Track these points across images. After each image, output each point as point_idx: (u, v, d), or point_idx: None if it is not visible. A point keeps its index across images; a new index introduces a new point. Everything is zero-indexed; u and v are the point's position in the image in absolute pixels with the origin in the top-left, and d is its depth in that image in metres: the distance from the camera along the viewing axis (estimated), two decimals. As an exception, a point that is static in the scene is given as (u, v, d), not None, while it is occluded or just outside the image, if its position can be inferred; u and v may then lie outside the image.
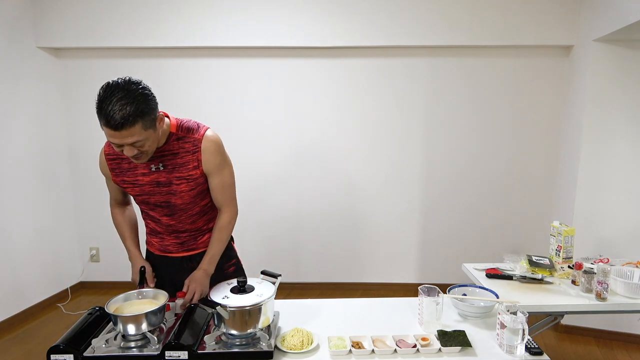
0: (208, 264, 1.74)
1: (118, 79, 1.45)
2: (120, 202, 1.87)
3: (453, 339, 1.49)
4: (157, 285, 1.78)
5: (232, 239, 1.94)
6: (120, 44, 3.49)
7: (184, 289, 1.68)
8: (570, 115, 3.34)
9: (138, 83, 1.46)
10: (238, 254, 1.96)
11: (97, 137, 3.78)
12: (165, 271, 1.85)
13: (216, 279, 1.68)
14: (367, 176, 3.75)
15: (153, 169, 1.64)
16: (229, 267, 1.90)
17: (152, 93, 1.49)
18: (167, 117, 1.63)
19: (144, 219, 1.85)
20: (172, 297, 1.69)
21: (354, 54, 3.58)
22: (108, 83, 1.44)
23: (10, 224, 3.29)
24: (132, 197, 1.86)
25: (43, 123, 3.58)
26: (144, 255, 1.90)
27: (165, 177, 1.64)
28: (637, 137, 2.95)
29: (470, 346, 1.48)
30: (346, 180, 3.76)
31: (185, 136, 1.63)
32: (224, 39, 3.44)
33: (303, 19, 3.39)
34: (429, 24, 3.35)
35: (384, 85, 3.62)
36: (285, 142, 3.72)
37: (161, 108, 1.58)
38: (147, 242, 1.91)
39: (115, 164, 1.68)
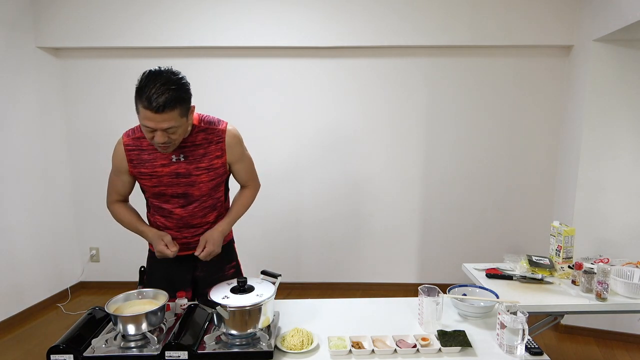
0: (227, 225, 1.83)
1: (159, 67, 1.54)
2: (121, 199, 1.86)
3: (453, 339, 1.49)
4: (156, 286, 1.76)
5: (233, 240, 1.95)
6: (120, 44, 3.49)
7: (199, 246, 1.75)
8: (570, 115, 3.34)
9: (178, 73, 1.55)
10: (238, 257, 1.97)
11: (97, 136, 3.81)
12: (166, 271, 1.85)
13: (216, 280, 1.68)
14: (368, 176, 3.75)
15: (174, 160, 1.68)
16: (230, 269, 1.92)
17: (189, 83, 1.57)
18: None
19: (150, 216, 1.86)
20: (172, 297, 1.70)
21: (354, 54, 3.58)
22: (150, 70, 1.52)
23: (10, 224, 3.29)
24: (144, 192, 1.85)
25: (43, 123, 3.57)
26: (145, 256, 1.91)
27: (184, 169, 1.69)
28: (637, 137, 2.95)
29: (470, 346, 1.48)
30: (346, 180, 3.76)
31: (208, 128, 1.70)
32: (224, 39, 3.43)
33: (304, 19, 3.39)
34: (430, 24, 3.35)
35: (385, 85, 3.62)
36: (285, 142, 3.72)
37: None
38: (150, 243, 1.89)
39: (134, 155, 1.70)
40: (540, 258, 2.16)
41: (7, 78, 3.24)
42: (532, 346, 1.47)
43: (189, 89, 1.57)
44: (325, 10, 3.38)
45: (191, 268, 1.86)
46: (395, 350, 1.45)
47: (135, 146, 1.69)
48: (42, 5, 3.44)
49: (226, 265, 1.91)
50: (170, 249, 1.73)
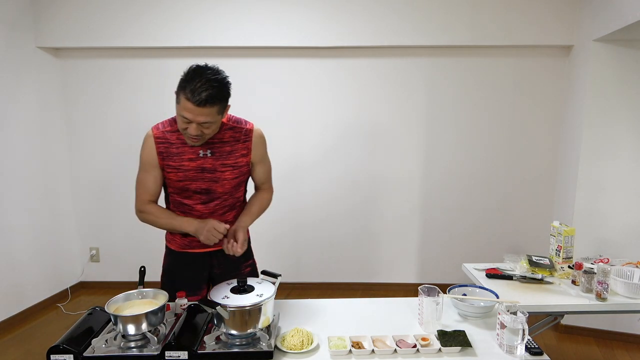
0: (249, 223, 1.87)
1: (205, 63, 1.60)
2: (152, 199, 1.80)
3: (453, 339, 1.49)
4: (176, 284, 1.81)
5: (249, 240, 1.97)
6: (120, 44, 3.49)
7: (229, 238, 1.73)
8: (570, 115, 3.34)
9: (223, 72, 1.61)
10: (254, 257, 2.01)
11: (97, 136, 3.80)
12: (184, 269, 1.88)
13: (233, 277, 1.68)
14: (367, 176, 3.75)
15: (201, 155, 1.73)
16: (246, 268, 1.94)
17: (231, 83, 1.63)
18: None
19: (171, 211, 1.86)
20: (192, 295, 1.77)
21: (354, 54, 3.58)
22: (197, 64, 1.59)
23: (10, 224, 3.29)
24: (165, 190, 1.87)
25: (43, 123, 3.57)
26: (162, 253, 1.92)
27: (210, 164, 1.74)
28: (637, 137, 2.95)
29: (470, 346, 1.48)
30: (346, 181, 3.76)
31: (236, 127, 1.78)
32: (224, 39, 3.44)
33: (304, 19, 3.39)
34: (429, 24, 3.35)
35: (384, 85, 3.62)
36: (285, 142, 3.72)
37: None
38: (169, 240, 1.91)
39: (163, 147, 1.73)
40: (540, 258, 2.16)
41: (7, 78, 3.24)
42: (532, 346, 1.47)
43: (229, 89, 1.63)
44: (325, 10, 3.37)
45: (208, 266, 1.89)
46: (395, 350, 1.45)
47: (164, 139, 1.73)
48: (42, 5, 3.44)
49: (243, 263, 1.93)
50: (220, 230, 1.69)
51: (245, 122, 1.83)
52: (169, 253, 1.92)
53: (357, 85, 3.63)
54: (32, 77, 3.46)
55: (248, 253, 1.97)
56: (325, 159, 3.74)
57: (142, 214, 1.80)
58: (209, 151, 1.73)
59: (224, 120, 1.76)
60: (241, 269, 1.92)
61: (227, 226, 1.71)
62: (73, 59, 3.70)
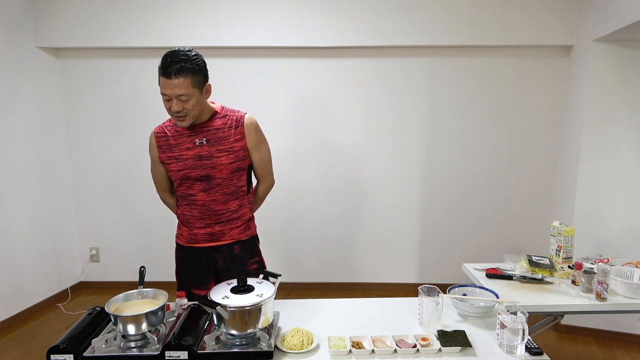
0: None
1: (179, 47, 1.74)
2: (166, 189, 2.02)
3: (453, 339, 1.49)
4: (186, 277, 1.93)
5: (256, 237, 2.03)
6: (120, 44, 3.49)
7: None
8: (570, 115, 3.34)
9: (196, 51, 1.74)
10: (263, 255, 2.04)
11: (97, 136, 3.80)
12: (191, 263, 1.94)
13: (238, 274, 1.68)
14: (367, 176, 3.75)
15: (197, 143, 1.82)
16: (252, 264, 1.97)
17: (206, 66, 1.76)
18: (213, 103, 1.88)
19: (179, 208, 1.95)
20: (201, 289, 1.82)
21: (355, 54, 3.58)
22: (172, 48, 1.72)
23: (10, 224, 3.29)
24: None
25: (43, 123, 3.57)
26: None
27: (207, 151, 1.82)
28: (637, 136, 2.95)
29: (470, 346, 1.48)
30: (346, 180, 3.76)
31: (228, 115, 1.87)
32: (224, 39, 3.44)
33: (304, 19, 3.39)
34: (430, 24, 3.35)
35: (384, 85, 3.62)
36: (285, 142, 3.72)
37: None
38: (177, 236, 1.99)
39: (162, 140, 1.86)
40: (540, 258, 2.16)
41: (7, 78, 3.24)
42: (532, 346, 1.47)
43: (201, 64, 1.72)
44: (326, 10, 3.37)
45: (213, 260, 1.93)
46: (395, 350, 1.45)
47: (163, 133, 1.87)
48: (42, 5, 3.44)
49: (248, 260, 1.95)
50: None
51: (238, 111, 1.90)
52: (178, 248, 1.99)
53: (358, 85, 3.63)
54: (32, 77, 3.46)
55: (254, 250, 1.99)
56: (326, 159, 3.74)
57: (163, 201, 2.08)
58: (204, 139, 1.82)
59: (217, 110, 1.86)
60: (247, 265, 1.94)
61: None
62: (73, 59, 3.70)
